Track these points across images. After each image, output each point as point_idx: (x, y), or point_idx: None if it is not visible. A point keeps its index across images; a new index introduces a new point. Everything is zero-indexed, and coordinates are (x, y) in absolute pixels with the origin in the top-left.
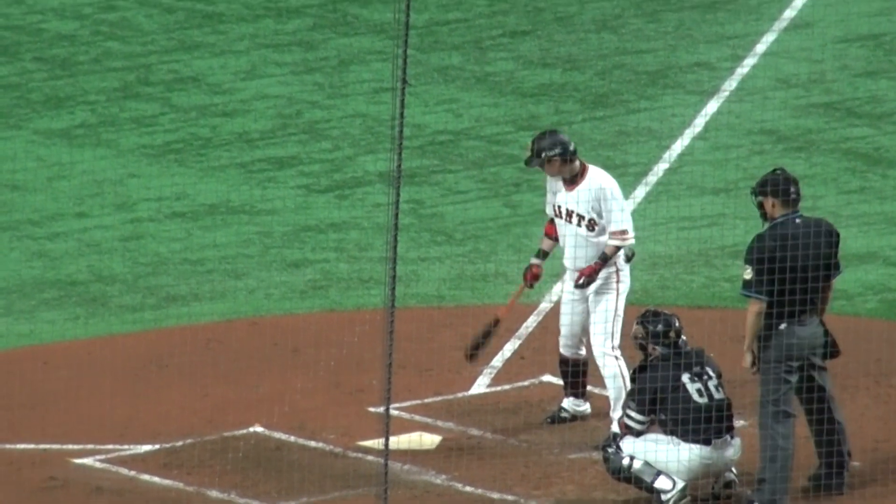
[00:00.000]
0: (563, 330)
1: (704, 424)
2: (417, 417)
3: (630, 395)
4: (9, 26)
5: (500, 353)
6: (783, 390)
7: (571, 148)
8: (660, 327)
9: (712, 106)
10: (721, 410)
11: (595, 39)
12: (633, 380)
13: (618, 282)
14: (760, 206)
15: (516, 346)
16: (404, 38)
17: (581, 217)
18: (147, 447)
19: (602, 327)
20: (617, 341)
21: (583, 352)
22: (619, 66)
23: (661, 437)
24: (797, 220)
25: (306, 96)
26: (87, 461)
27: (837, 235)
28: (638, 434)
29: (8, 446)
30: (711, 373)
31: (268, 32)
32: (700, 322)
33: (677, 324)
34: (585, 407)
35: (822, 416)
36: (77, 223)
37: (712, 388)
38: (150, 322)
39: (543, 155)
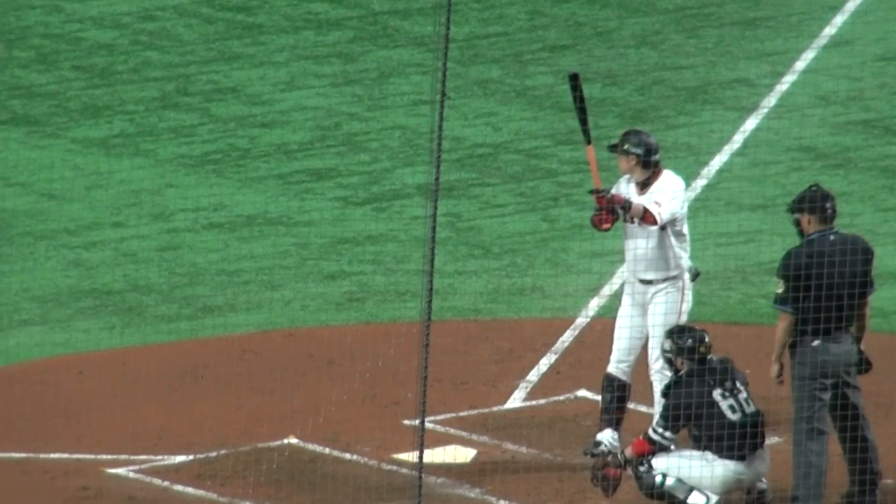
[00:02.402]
0: (622, 344)
1: (739, 441)
2: (452, 431)
3: (661, 414)
4: (48, 35)
5: (535, 368)
6: (816, 407)
7: (655, 157)
8: (689, 343)
9: (751, 122)
10: (755, 425)
11: (635, 55)
12: (664, 395)
13: (682, 301)
14: (797, 223)
15: (552, 360)
16: (444, 50)
17: None
18: (181, 458)
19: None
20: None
21: (630, 375)
22: (659, 81)
23: (694, 452)
24: (832, 237)
25: (345, 108)
26: (121, 471)
27: (872, 253)
28: (663, 449)
29: (42, 455)
30: (740, 386)
31: (308, 44)
32: (736, 338)
33: (707, 339)
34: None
35: (854, 433)
36: (114, 233)
37: (744, 403)
38: (186, 332)
39: (626, 147)
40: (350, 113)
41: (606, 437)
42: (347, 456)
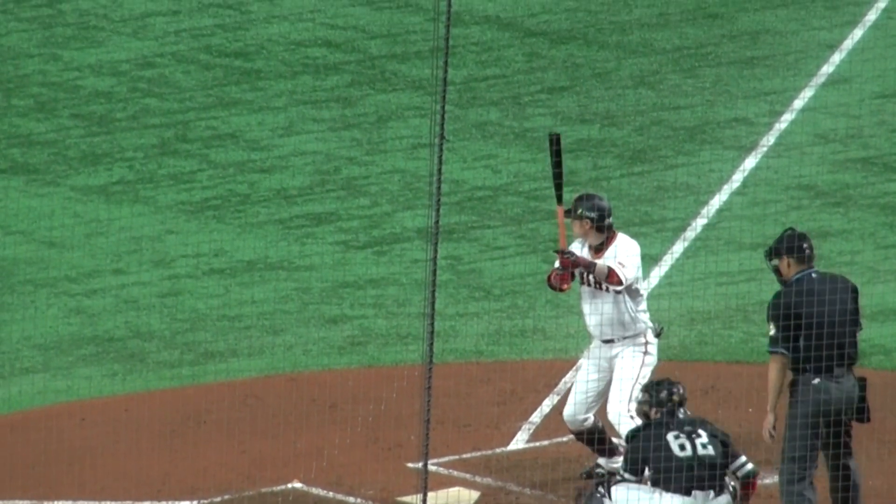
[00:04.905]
0: (578, 398)
1: (686, 473)
2: (456, 473)
3: (624, 459)
4: (46, 83)
5: (538, 409)
6: (808, 448)
7: (607, 221)
8: (663, 394)
9: (750, 161)
10: (704, 467)
11: (633, 95)
12: (627, 442)
13: (645, 353)
14: (776, 269)
15: (555, 401)
16: (442, 94)
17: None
18: (185, 503)
19: (624, 391)
20: (634, 405)
21: (590, 420)
22: (657, 121)
23: (646, 487)
24: (813, 276)
25: (344, 152)
26: None
27: (857, 291)
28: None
29: (46, 503)
30: (703, 433)
31: (306, 89)
32: (738, 377)
33: (678, 391)
34: (621, 460)
35: (836, 471)
36: (115, 280)
37: (698, 445)
38: (188, 378)
39: (580, 212)
40: (349, 157)
41: (603, 462)
42: (351, 499)
